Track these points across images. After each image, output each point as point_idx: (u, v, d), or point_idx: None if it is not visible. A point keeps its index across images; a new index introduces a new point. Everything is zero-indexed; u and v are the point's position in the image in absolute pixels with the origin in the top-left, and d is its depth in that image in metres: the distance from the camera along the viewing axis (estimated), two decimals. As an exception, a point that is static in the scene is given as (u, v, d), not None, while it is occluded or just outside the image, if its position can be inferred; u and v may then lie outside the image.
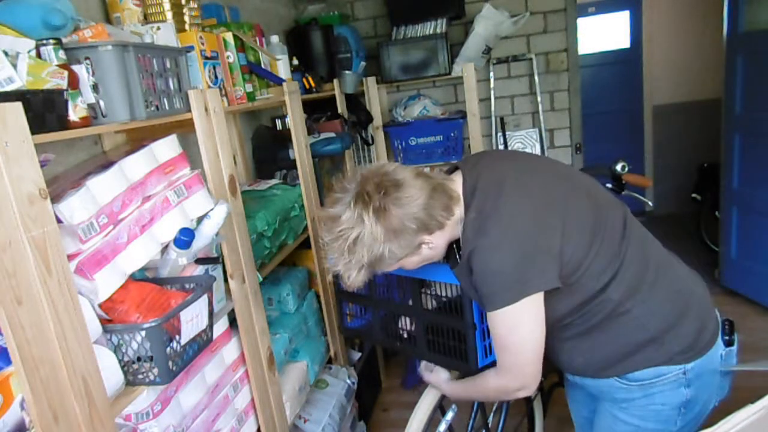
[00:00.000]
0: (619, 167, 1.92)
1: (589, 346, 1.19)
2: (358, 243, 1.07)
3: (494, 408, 1.76)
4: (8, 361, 0.79)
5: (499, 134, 3.45)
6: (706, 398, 1.20)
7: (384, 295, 1.56)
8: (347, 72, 2.76)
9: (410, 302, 1.47)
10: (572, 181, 1.17)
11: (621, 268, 1.11)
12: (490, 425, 1.68)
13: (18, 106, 0.79)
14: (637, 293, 1.13)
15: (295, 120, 1.93)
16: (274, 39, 2.02)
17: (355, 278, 1.13)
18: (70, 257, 0.94)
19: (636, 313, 1.14)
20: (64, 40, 0.99)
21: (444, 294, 1.40)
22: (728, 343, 1.19)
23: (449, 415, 1.53)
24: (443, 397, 1.57)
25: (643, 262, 1.15)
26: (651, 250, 1.19)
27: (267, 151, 2.25)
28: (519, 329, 1.09)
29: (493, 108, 3.42)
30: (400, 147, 3.24)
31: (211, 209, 1.27)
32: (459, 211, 1.14)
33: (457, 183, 1.16)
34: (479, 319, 1.31)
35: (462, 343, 1.34)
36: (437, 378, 1.45)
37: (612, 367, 1.18)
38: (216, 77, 1.47)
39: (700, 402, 1.19)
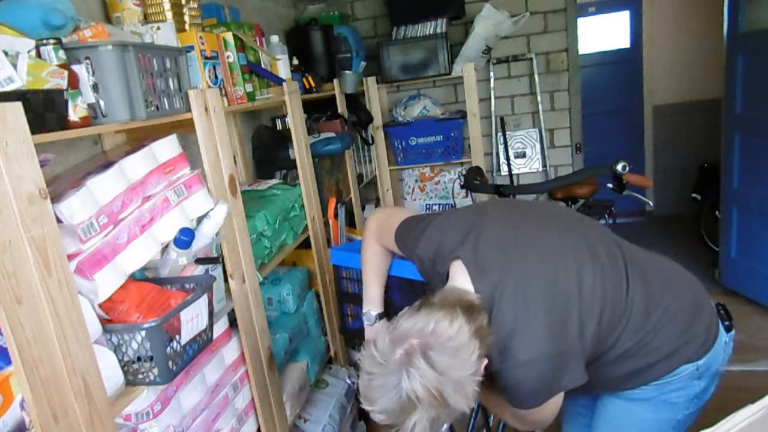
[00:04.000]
0: (619, 167, 1.92)
1: (602, 375, 1.17)
2: (410, 405, 0.92)
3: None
4: (8, 361, 0.79)
5: (499, 134, 3.46)
6: (714, 385, 1.22)
7: (391, 296, 1.56)
8: (347, 72, 2.76)
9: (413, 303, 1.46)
10: (576, 247, 1.10)
11: (630, 321, 1.10)
12: (491, 424, 1.68)
13: (18, 106, 0.79)
14: (647, 329, 1.12)
15: (295, 120, 1.93)
16: (274, 39, 2.02)
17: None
18: (70, 257, 0.94)
19: (650, 346, 1.13)
20: (64, 40, 0.99)
21: None
22: (728, 329, 1.21)
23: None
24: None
25: (648, 300, 1.12)
26: (651, 279, 1.15)
27: (267, 151, 2.25)
28: (541, 412, 1.08)
29: (493, 108, 3.43)
30: (400, 147, 3.24)
31: (211, 209, 1.27)
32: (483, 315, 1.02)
33: (466, 283, 1.06)
34: None
35: None
36: None
37: (627, 382, 1.18)
38: (216, 77, 1.47)
39: (709, 390, 1.21)
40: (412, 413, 0.92)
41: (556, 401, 1.08)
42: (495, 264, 1.06)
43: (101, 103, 1.06)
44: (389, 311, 1.55)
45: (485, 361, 0.99)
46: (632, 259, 1.15)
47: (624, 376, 1.17)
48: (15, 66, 0.87)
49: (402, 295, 1.56)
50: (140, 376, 1.03)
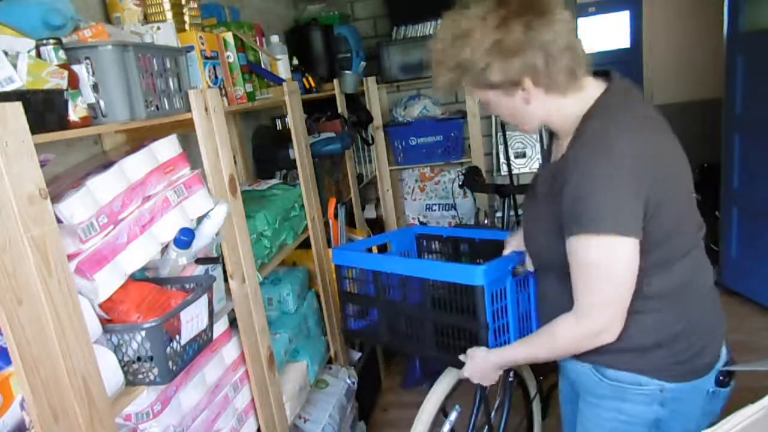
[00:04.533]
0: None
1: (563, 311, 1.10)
2: (463, 39, 0.98)
3: (496, 405, 1.76)
4: (8, 361, 0.79)
5: (499, 134, 3.45)
6: (683, 428, 1.12)
7: (390, 295, 1.56)
8: (347, 72, 2.76)
9: (418, 302, 1.46)
10: (685, 169, 1.08)
11: (674, 268, 1.05)
12: (492, 423, 1.68)
13: (18, 106, 0.79)
14: (663, 300, 1.06)
15: (295, 120, 1.93)
16: (274, 39, 2.02)
17: (442, 78, 1.05)
18: (70, 257, 0.94)
19: (649, 320, 1.07)
20: (64, 40, 0.99)
21: (455, 294, 1.37)
22: (720, 384, 1.12)
23: (452, 416, 1.53)
24: (446, 399, 1.57)
25: (690, 276, 1.08)
26: (702, 272, 1.13)
27: (267, 151, 2.25)
28: (616, 263, 0.97)
29: (493, 108, 3.42)
30: (400, 147, 3.24)
31: (211, 209, 1.27)
32: (577, 104, 1.02)
33: (596, 84, 1.05)
34: (491, 318, 1.30)
35: (474, 343, 1.34)
36: (476, 358, 1.28)
37: (594, 353, 1.09)
38: (216, 77, 1.47)
39: (672, 428, 1.12)
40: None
41: (624, 273, 0.97)
42: (639, 101, 1.07)
43: (101, 103, 1.06)
44: (390, 311, 1.55)
45: (527, 87, 1.00)
46: (701, 245, 1.12)
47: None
48: (15, 66, 0.87)
49: (402, 294, 1.56)
50: (140, 376, 1.03)
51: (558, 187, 1.02)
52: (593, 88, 1.05)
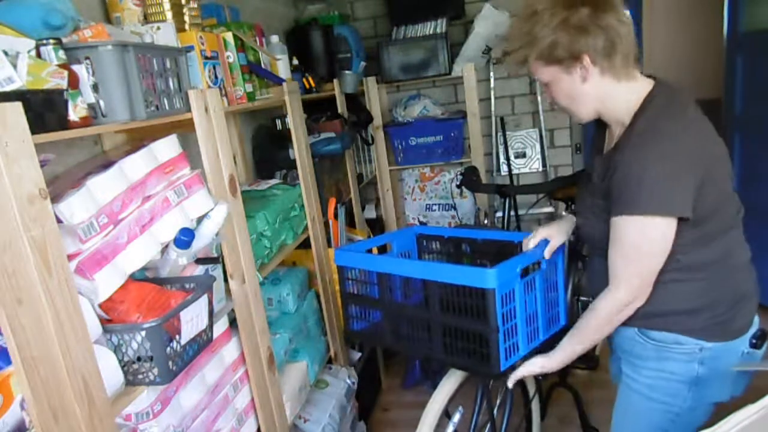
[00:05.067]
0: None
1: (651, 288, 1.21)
2: (535, 17, 1.11)
3: (497, 403, 1.76)
4: (8, 361, 0.79)
5: (499, 134, 3.45)
6: (718, 388, 1.22)
7: (395, 297, 1.55)
8: (347, 72, 2.76)
9: (424, 304, 1.45)
10: (724, 155, 1.18)
11: (712, 244, 1.15)
12: (495, 420, 1.67)
13: (18, 106, 0.79)
14: (705, 271, 1.17)
15: (295, 120, 1.93)
16: (274, 39, 2.02)
17: (513, 52, 1.17)
18: (70, 257, 0.94)
19: (688, 288, 1.17)
20: (64, 40, 0.99)
21: (463, 296, 1.38)
22: (753, 346, 1.21)
23: (456, 418, 1.53)
24: (450, 402, 1.56)
25: (727, 252, 1.19)
26: (739, 249, 1.23)
27: (267, 151, 2.25)
28: (649, 240, 1.10)
29: (493, 108, 3.42)
30: (400, 147, 3.24)
31: (211, 209, 1.27)
32: (629, 93, 1.15)
33: (645, 80, 1.17)
34: (502, 321, 1.30)
35: (483, 346, 1.33)
36: (532, 368, 1.36)
37: (638, 318, 1.20)
38: (216, 77, 1.47)
39: (710, 387, 1.20)
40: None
41: (658, 250, 1.11)
42: (685, 99, 1.16)
43: (101, 103, 1.06)
44: (391, 312, 1.55)
45: (586, 65, 1.11)
46: (740, 222, 1.24)
47: (644, 305, 1.18)
48: (15, 66, 0.87)
49: (404, 295, 1.56)
50: (140, 376, 1.03)
51: (610, 174, 1.13)
52: (644, 82, 1.17)
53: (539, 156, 3.49)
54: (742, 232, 1.24)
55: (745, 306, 1.21)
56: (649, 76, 1.20)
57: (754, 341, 1.21)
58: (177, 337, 1.05)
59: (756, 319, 1.24)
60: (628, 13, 1.13)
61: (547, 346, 1.44)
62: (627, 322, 1.23)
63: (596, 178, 1.23)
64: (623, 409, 1.32)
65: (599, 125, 1.29)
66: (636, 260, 1.13)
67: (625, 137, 1.15)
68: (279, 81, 1.87)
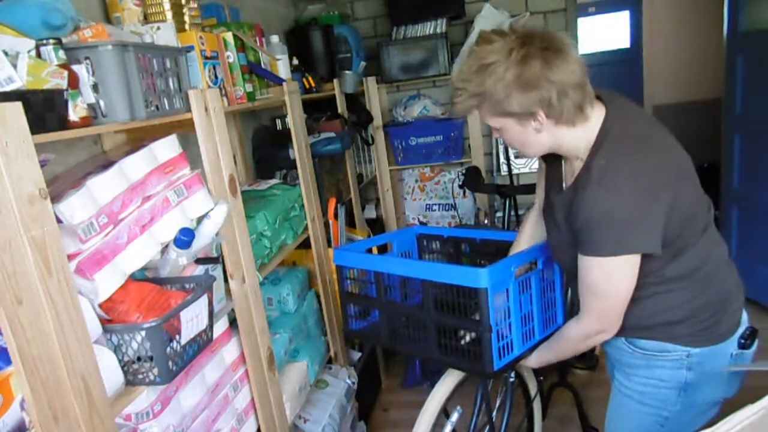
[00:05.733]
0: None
1: (636, 303, 1.20)
2: (488, 70, 1.08)
3: (497, 405, 1.76)
4: (8, 361, 0.79)
5: (499, 134, 3.45)
6: (710, 390, 1.22)
7: (392, 296, 1.56)
8: (347, 72, 2.76)
9: (420, 303, 1.45)
10: (684, 162, 1.17)
11: (689, 252, 1.15)
12: (494, 422, 1.68)
13: (18, 106, 0.79)
14: (684, 280, 1.17)
15: (295, 120, 1.93)
16: (274, 39, 2.01)
17: (462, 101, 1.14)
18: (70, 257, 0.94)
19: (670, 299, 1.18)
20: (64, 40, 0.99)
21: (457, 296, 1.37)
22: (742, 346, 1.21)
23: (454, 417, 1.53)
24: (448, 400, 1.57)
25: (705, 256, 1.18)
26: (715, 249, 1.22)
27: (267, 151, 2.25)
28: (613, 279, 1.12)
29: (493, 108, 3.42)
30: (400, 147, 3.24)
31: (211, 209, 1.27)
32: (584, 133, 1.14)
33: (597, 112, 1.15)
34: (494, 321, 1.30)
35: (477, 345, 1.33)
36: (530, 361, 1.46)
37: (624, 329, 1.21)
38: (216, 77, 1.47)
39: (701, 390, 1.21)
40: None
41: (622, 285, 1.12)
42: (631, 115, 1.18)
43: (101, 103, 1.06)
44: (391, 312, 1.55)
45: (540, 119, 1.10)
46: (712, 222, 1.22)
47: (631, 317, 1.19)
48: (15, 66, 0.87)
49: (403, 295, 1.56)
50: (140, 376, 1.03)
51: (574, 213, 1.13)
52: (595, 117, 1.15)
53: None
54: (715, 229, 1.23)
55: (728, 308, 1.20)
56: (597, 97, 1.17)
57: (743, 341, 1.21)
58: (177, 337, 1.05)
59: (744, 317, 1.24)
60: (577, 52, 1.09)
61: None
62: (624, 331, 1.23)
63: (559, 216, 1.22)
64: (615, 412, 1.35)
65: (554, 157, 1.25)
66: (602, 297, 1.15)
67: (584, 174, 1.12)
68: (279, 81, 1.87)
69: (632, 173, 1.08)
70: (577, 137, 1.14)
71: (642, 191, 1.07)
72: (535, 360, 1.44)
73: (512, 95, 1.07)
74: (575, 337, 1.27)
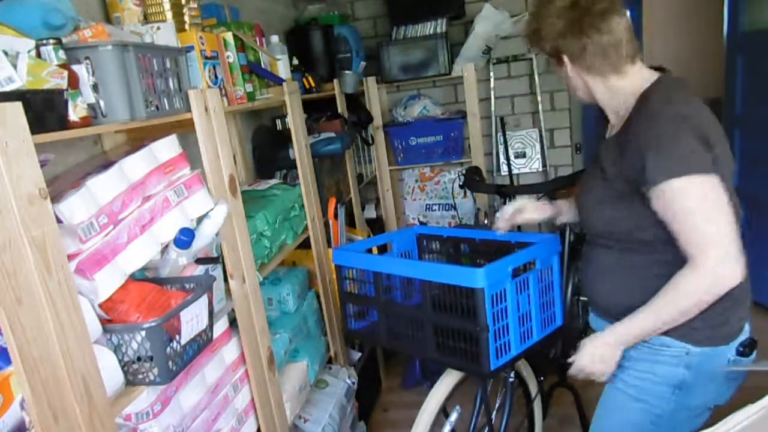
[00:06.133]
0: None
1: (623, 283, 1.22)
2: (545, 9, 1.20)
3: (497, 406, 1.76)
4: (8, 361, 0.79)
5: (499, 134, 3.45)
6: (704, 393, 1.21)
7: (391, 296, 1.56)
8: (347, 72, 2.76)
9: (418, 303, 1.46)
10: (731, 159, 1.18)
11: None
12: (493, 423, 1.68)
13: (18, 106, 0.79)
14: None
15: (295, 120, 1.93)
16: (274, 39, 2.01)
17: (525, 27, 1.26)
18: (70, 257, 0.94)
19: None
20: (64, 40, 0.99)
21: (455, 296, 1.38)
22: (741, 354, 1.20)
23: (453, 417, 1.53)
24: (447, 400, 1.57)
25: None
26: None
27: (267, 151, 2.25)
28: (711, 199, 1.03)
29: (493, 108, 3.42)
30: (400, 147, 3.24)
31: (211, 209, 1.27)
32: (627, 83, 1.18)
33: (648, 74, 1.20)
34: (492, 321, 1.30)
35: (474, 345, 1.33)
36: (595, 345, 1.23)
37: (629, 312, 1.18)
38: (216, 77, 1.47)
39: (695, 391, 1.20)
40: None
41: (722, 205, 1.04)
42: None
43: (101, 103, 1.06)
44: (389, 312, 1.55)
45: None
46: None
47: (636, 300, 1.17)
48: (15, 66, 0.87)
49: (403, 295, 1.56)
50: (140, 376, 1.03)
51: (629, 151, 1.12)
52: (648, 73, 1.20)
53: (539, 156, 3.48)
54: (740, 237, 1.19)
55: (736, 312, 1.19)
56: (658, 69, 1.23)
57: (741, 349, 1.19)
58: (177, 337, 1.05)
59: (747, 326, 1.22)
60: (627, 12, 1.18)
61: (542, 345, 1.44)
62: (618, 316, 1.22)
63: (606, 163, 1.20)
64: (606, 406, 1.33)
65: (601, 111, 1.32)
66: (710, 222, 1.03)
67: (638, 114, 1.15)
68: (279, 81, 1.87)
69: (693, 108, 1.09)
70: (620, 86, 1.19)
71: (703, 118, 1.08)
72: (632, 337, 1.19)
73: (560, 37, 1.18)
74: (694, 289, 1.07)
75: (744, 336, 1.21)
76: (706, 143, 1.05)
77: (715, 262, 1.05)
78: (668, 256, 1.14)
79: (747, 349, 1.20)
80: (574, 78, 1.24)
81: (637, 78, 1.19)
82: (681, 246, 1.09)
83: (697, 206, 1.04)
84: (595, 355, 1.22)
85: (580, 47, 1.17)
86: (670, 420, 1.23)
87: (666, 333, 1.17)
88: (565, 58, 1.20)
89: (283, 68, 1.97)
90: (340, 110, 2.59)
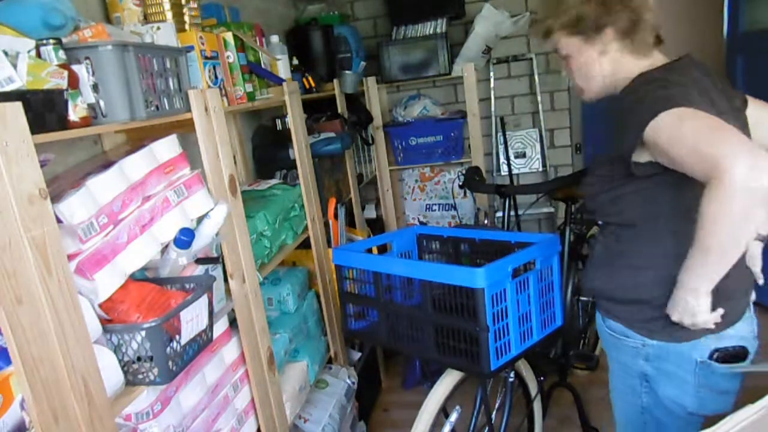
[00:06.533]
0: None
1: (610, 271, 1.24)
2: None
3: (497, 406, 1.76)
4: (8, 361, 0.79)
5: (499, 134, 3.45)
6: (675, 392, 1.18)
7: (391, 296, 1.55)
8: (347, 72, 2.76)
9: (418, 303, 1.46)
10: None
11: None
12: (493, 423, 1.68)
13: (18, 106, 0.79)
14: (668, 259, 1.10)
15: (295, 120, 1.93)
16: (274, 39, 2.02)
17: (542, 23, 1.25)
18: (70, 257, 0.94)
19: (647, 276, 1.16)
20: (64, 40, 0.99)
21: (455, 296, 1.38)
22: (715, 358, 1.13)
23: (453, 417, 1.53)
24: (447, 400, 1.57)
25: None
26: None
27: (267, 151, 2.25)
28: (703, 117, 0.97)
29: (493, 108, 3.42)
30: (400, 147, 3.24)
31: (211, 209, 1.27)
32: (643, 66, 1.18)
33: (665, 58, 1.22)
34: (492, 321, 1.30)
35: (474, 345, 1.33)
36: (678, 304, 1.11)
37: (603, 303, 1.26)
38: (216, 77, 1.47)
39: (663, 387, 1.19)
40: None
41: (708, 118, 0.97)
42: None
43: (101, 103, 1.06)
44: (389, 312, 1.55)
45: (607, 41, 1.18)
46: None
47: (614, 288, 1.21)
48: (15, 66, 0.87)
49: (403, 295, 1.56)
50: (140, 376, 1.03)
51: (619, 120, 1.12)
52: (661, 59, 1.22)
53: (539, 156, 3.49)
54: None
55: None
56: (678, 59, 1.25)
57: (716, 353, 1.12)
58: (177, 337, 1.05)
59: (732, 331, 1.14)
60: None
61: (542, 345, 1.44)
62: (599, 306, 1.29)
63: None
64: (612, 386, 1.37)
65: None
66: (710, 135, 0.94)
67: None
68: (279, 81, 1.87)
69: (689, 78, 1.12)
70: (636, 71, 1.18)
71: (694, 86, 1.09)
72: (695, 280, 1.06)
73: (586, 12, 1.16)
74: (716, 209, 0.93)
75: (724, 342, 1.13)
76: (688, 95, 1.03)
77: (732, 161, 0.89)
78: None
79: (725, 356, 1.10)
80: (605, 62, 1.20)
81: (658, 58, 1.22)
82: (695, 175, 0.97)
83: (694, 124, 0.97)
84: (684, 312, 1.09)
85: (630, 21, 1.15)
86: (654, 418, 1.25)
87: (625, 323, 1.21)
88: (609, 34, 1.16)
89: (283, 68, 1.97)
90: (340, 110, 2.59)
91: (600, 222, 1.30)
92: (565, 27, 1.20)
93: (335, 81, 2.60)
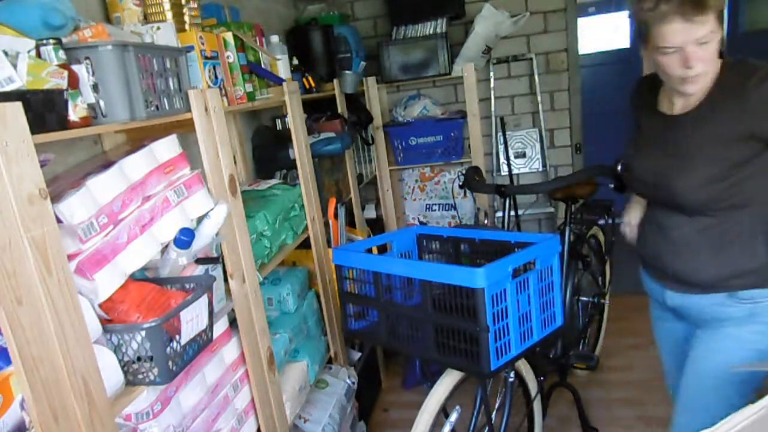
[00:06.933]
0: (620, 167, 1.92)
1: (723, 254, 1.26)
2: None
3: (497, 405, 1.76)
4: (8, 361, 0.79)
5: (499, 134, 3.46)
6: None
7: (391, 296, 1.55)
8: (347, 72, 2.76)
9: (418, 303, 1.46)
10: None
11: None
12: (493, 423, 1.68)
13: (18, 106, 0.79)
14: None
15: (295, 120, 1.93)
16: (274, 39, 2.02)
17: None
18: (70, 257, 0.94)
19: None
20: (64, 40, 0.99)
21: (455, 296, 1.38)
22: None
23: (453, 417, 1.53)
24: (447, 400, 1.57)
25: None
26: None
27: (267, 151, 2.25)
28: None
29: (493, 108, 3.43)
30: (400, 147, 3.24)
31: (211, 209, 1.27)
32: None
33: None
34: (492, 321, 1.30)
35: (474, 345, 1.33)
36: None
37: (730, 280, 1.26)
38: (216, 77, 1.47)
39: None
40: None
41: None
42: None
43: (101, 103, 1.06)
44: (389, 312, 1.55)
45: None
46: None
47: (739, 265, 1.25)
48: (15, 66, 0.87)
49: (403, 295, 1.56)
50: (140, 376, 1.03)
51: (733, 108, 1.28)
52: None
53: (539, 156, 3.49)
54: None
55: None
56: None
57: None
58: (177, 337, 1.05)
59: None
60: None
61: (542, 345, 1.43)
62: (710, 288, 1.29)
63: (692, 129, 1.29)
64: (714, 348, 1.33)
65: (647, 92, 1.43)
66: None
67: (722, 85, 1.33)
68: (279, 81, 1.87)
69: None
70: None
71: None
72: None
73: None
74: None
75: None
76: None
77: None
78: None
79: None
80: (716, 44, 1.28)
81: None
82: None
83: None
84: None
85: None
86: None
87: (759, 285, 1.24)
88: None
89: (283, 68, 1.97)
90: (340, 110, 2.59)
91: (688, 213, 1.30)
92: (720, 7, 1.24)
93: (335, 81, 2.60)
